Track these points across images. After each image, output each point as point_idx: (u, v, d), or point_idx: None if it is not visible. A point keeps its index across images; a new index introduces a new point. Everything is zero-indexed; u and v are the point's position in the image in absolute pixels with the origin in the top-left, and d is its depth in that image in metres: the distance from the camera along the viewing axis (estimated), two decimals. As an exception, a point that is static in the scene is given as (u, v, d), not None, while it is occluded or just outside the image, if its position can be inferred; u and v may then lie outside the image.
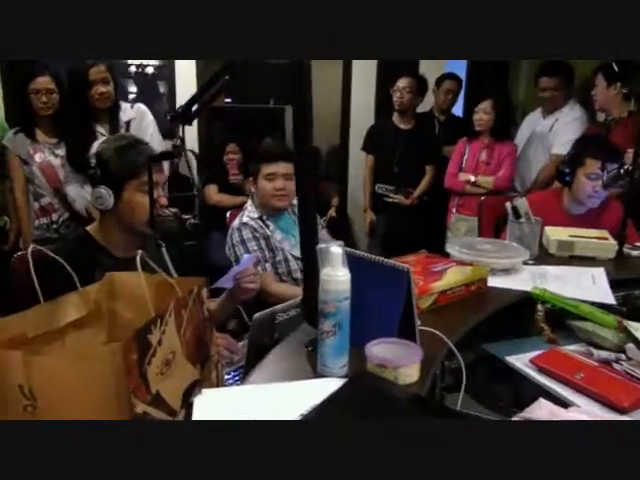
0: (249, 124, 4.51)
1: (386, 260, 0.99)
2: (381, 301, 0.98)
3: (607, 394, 0.99)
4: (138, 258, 0.94)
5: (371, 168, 3.49)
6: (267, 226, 2.11)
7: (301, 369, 0.96)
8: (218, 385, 1.08)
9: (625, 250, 1.66)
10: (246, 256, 1.77)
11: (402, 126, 3.37)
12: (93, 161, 1.47)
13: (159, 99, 3.69)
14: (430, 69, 3.75)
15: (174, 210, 1.58)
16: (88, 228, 1.58)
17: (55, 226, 2.54)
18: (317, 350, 0.93)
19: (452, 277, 1.28)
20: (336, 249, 0.88)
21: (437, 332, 1.06)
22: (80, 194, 2.45)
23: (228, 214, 2.35)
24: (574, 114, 2.90)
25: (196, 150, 3.72)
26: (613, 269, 1.56)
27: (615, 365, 1.09)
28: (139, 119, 2.51)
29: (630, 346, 1.10)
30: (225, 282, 1.64)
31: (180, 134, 1.36)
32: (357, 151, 3.81)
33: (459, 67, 3.98)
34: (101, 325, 1.13)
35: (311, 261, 1.00)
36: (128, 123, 2.49)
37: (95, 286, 1.11)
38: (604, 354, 1.11)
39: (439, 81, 3.65)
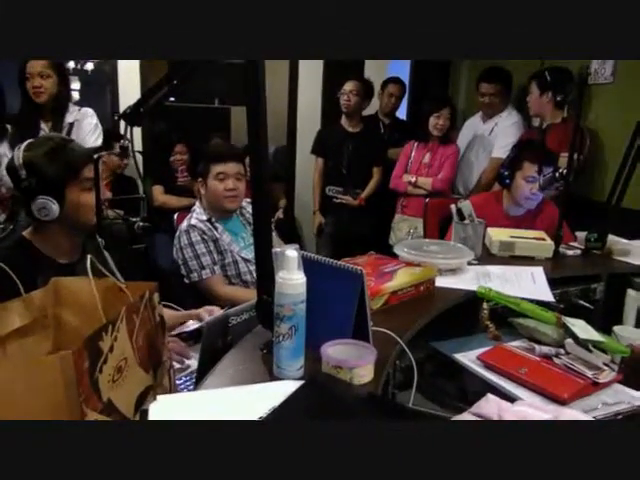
0: (195, 124, 4.45)
1: (340, 263, 1.01)
2: (335, 303, 0.99)
3: (549, 387, 1.04)
4: (88, 262, 0.91)
5: (321, 171, 3.53)
6: (215, 228, 2.09)
7: (257, 372, 0.96)
8: (171, 391, 1.07)
9: (561, 250, 1.75)
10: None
11: (350, 129, 3.42)
12: (23, 172, 1.40)
13: (102, 97, 3.58)
14: (374, 73, 3.82)
15: (120, 212, 1.54)
16: (25, 234, 1.52)
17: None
18: (273, 353, 0.94)
19: (402, 278, 1.31)
20: (292, 252, 0.89)
21: (389, 332, 1.08)
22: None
23: (175, 216, 2.31)
24: (512, 119, 3.03)
25: (140, 150, 3.63)
26: (550, 268, 1.64)
27: (555, 359, 1.15)
28: (80, 120, 2.44)
29: (569, 341, 1.16)
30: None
31: (128, 135, 1.33)
32: (304, 152, 3.83)
33: (402, 71, 4.08)
34: (46, 332, 1.09)
35: (265, 264, 1.01)
36: (72, 124, 2.41)
37: (39, 292, 1.07)
38: (545, 349, 1.17)
39: (384, 85, 3.73)
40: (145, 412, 0.82)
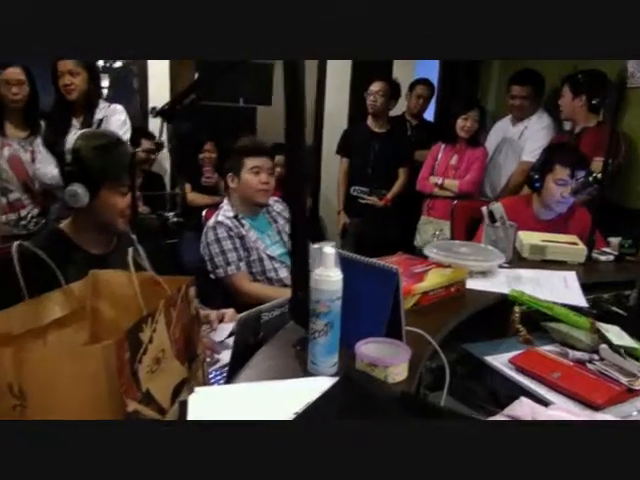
0: (221, 123, 4.49)
1: (375, 261, 1.01)
2: (370, 301, 1.00)
3: (582, 392, 1.03)
4: (130, 257, 0.93)
5: (346, 171, 3.53)
6: (242, 225, 2.11)
7: (290, 367, 0.97)
8: (204, 384, 1.09)
9: (594, 255, 1.73)
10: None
11: (376, 129, 3.42)
12: (69, 157, 1.44)
13: (131, 95, 3.63)
14: (403, 73, 3.81)
15: (146, 208, 1.57)
16: (61, 225, 1.56)
17: (24, 222, 2.48)
18: (308, 349, 0.95)
19: (433, 279, 1.31)
20: (329, 249, 0.90)
21: (422, 332, 1.08)
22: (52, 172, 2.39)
23: (204, 213, 2.34)
24: (542, 122, 3.00)
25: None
26: (582, 273, 1.62)
27: (589, 365, 1.13)
28: (109, 117, 2.49)
29: (603, 347, 1.15)
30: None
31: (163, 131, 1.36)
32: (329, 153, 3.84)
33: (431, 72, 4.06)
34: (83, 323, 1.11)
35: (301, 260, 1.01)
36: (101, 120, 2.46)
37: (79, 284, 1.10)
38: (578, 354, 1.16)
39: (412, 86, 3.72)
40: (184, 403, 0.83)
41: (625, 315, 1.51)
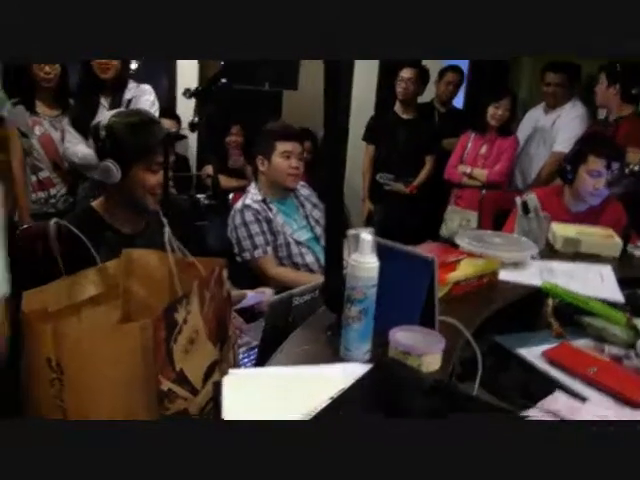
0: (247, 106, 4.47)
1: (411, 249, 1.00)
2: (404, 289, 0.99)
3: (621, 389, 1.01)
4: (166, 237, 0.93)
5: (371, 158, 3.50)
6: (270, 209, 2.11)
7: (323, 353, 0.97)
8: (234, 365, 1.09)
9: (629, 249, 1.69)
10: (251, 295, 1.79)
11: (404, 116, 3.37)
12: (103, 133, 1.45)
13: (159, 75, 3.64)
14: (431, 60, 3.74)
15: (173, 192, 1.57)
16: (93, 204, 1.57)
17: (53, 200, 2.51)
18: (342, 335, 0.94)
19: (466, 268, 1.29)
20: (366, 235, 0.89)
21: (455, 322, 1.07)
22: (82, 151, 2.40)
23: (231, 196, 2.34)
24: (576, 111, 2.92)
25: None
26: (617, 267, 1.58)
27: (625, 361, 1.11)
28: (138, 97, 2.49)
29: (641, 343, 1.12)
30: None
31: (198, 113, 1.35)
32: (355, 139, 3.80)
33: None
34: (116, 302, 1.12)
35: (335, 247, 1.01)
36: (129, 101, 2.46)
37: (113, 263, 1.10)
38: (615, 350, 1.14)
39: (442, 73, 3.65)
40: (218, 384, 0.83)
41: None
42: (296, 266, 2.11)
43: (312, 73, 4.71)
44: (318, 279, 1.96)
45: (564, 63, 2.93)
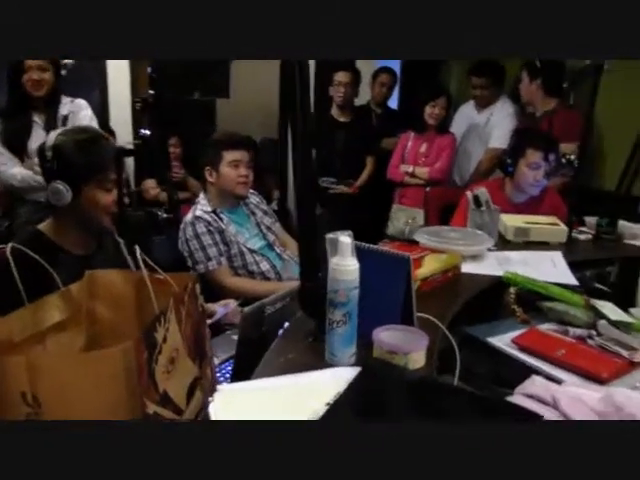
0: (180, 116, 4.37)
1: (387, 249, 1.01)
2: (382, 289, 0.99)
3: (589, 367, 1.06)
4: (138, 255, 0.89)
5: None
6: (221, 219, 2.09)
7: (308, 360, 0.96)
8: (213, 381, 1.06)
9: (573, 235, 1.78)
10: (220, 309, 1.76)
11: (342, 119, 3.41)
12: (49, 153, 1.38)
13: (91, 89, 3.50)
14: (364, 62, 3.79)
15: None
16: (40, 227, 1.49)
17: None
18: (326, 339, 0.93)
19: (431, 264, 1.32)
20: (346, 239, 0.89)
21: (432, 318, 1.09)
22: (20, 173, 2.27)
23: (181, 208, 2.29)
24: (507, 110, 3.06)
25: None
26: (565, 253, 1.66)
27: (589, 341, 1.17)
28: (76, 112, 2.39)
29: (602, 322, 1.18)
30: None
31: (149, 125, 1.31)
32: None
33: (392, 60, 4.07)
34: (80, 327, 1.06)
35: (309, 251, 1.00)
36: (66, 117, 2.35)
37: (76, 285, 1.05)
38: (578, 331, 1.19)
39: (375, 74, 3.72)
40: (206, 405, 0.81)
41: (609, 291, 1.57)
42: (252, 275, 2.09)
43: (243, 81, 4.67)
44: (275, 286, 1.98)
45: (488, 66, 3.05)
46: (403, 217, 3.14)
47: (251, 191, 2.29)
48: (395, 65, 3.97)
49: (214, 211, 2.08)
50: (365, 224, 3.30)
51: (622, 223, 1.82)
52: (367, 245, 1.02)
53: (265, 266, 2.10)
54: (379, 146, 3.51)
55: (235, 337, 1.64)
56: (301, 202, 1.01)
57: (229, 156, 2.05)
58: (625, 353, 1.10)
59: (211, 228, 2.04)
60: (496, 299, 1.41)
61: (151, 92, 2.11)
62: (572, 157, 1.85)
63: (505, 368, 1.18)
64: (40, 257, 1.25)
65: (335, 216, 3.43)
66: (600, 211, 1.85)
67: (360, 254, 0.94)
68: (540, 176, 2.14)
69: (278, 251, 2.17)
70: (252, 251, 2.10)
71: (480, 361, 1.23)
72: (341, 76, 3.31)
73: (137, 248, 0.91)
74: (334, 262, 0.89)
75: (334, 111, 3.43)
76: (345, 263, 0.89)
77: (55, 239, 1.45)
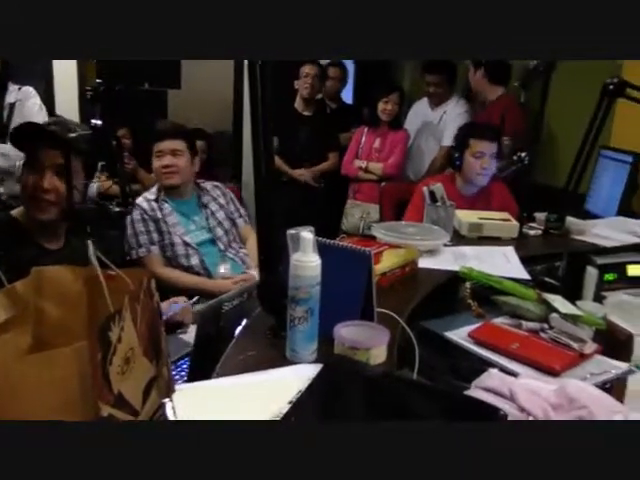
0: (131, 107, 4.25)
1: (348, 245, 1.00)
2: (343, 285, 0.98)
3: (542, 360, 1.09)
4: (90, 250, 0.85)
5: (277, 150, 3.44)
6: (161, 208, 2.07)
7: (268, 357, 0.94)
8: (170, 381, 1.03)
9: (524, 230, 1.83)
10: (171, 307, 1.72)
11: (305, 113, 3.38)
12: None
13: (37, 78, 3.34)
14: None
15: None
16: (13, 212, 1.43)
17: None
18: (287, 336, 0.92)
19: (390, 259, 1.32)
20: (307, 234, 0.88)
21: (392, 313, 1.09)
22: None
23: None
24: (460, 108, 3.12)
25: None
26: (515, 248, 1.71)
27: (542, 334, 1.20)
28: (23, 100, 2.29)
29: (554, 316, 1.22)
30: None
31: (101, 116, 1.26)
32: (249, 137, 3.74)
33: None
34: (26, 326, 1.01)
35: (268, 248, 0.98)
36: (13, 105, 2.25)
37: (22, 283, 0.99)
38: (531, 324, 1.22)
39: (325, 69, 3.71)
40: (162, 406, 0.78)
41: (558, 285, 1.62)
42: (181, 267, 2.08)
43: (195, 72, 4.58)
44: (202, 282, 1.97)
45: (440, 64, 3.10)
46: (358, 212, 3.16)
47: (215, 184, 2.28)
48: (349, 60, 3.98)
49: (156, 199, 2.08)
50: (321, 220, 3.32)
51: (570, 219, 1.88)
52: (328, 241, 1.01)
53: (195, 260, 2.07)
54: (339, 141, 3.50)
55: (184, 337, 1.61)
56: (260, 196, 1.00)
57: (156, 147, 2.07)
58: (575, 345, 1.13)
59: (145, 216, 2.04)
60: (452, 294, 1.43)
61: (98, 81, 2.02)
62: (523, 154, 1.89)
63: (462, 362, 1.20)
64: (11, 244, 1.19)
65: (289, 212, 3.42)
66: (549, 207, 1.90)
67: (321, 250, 0.93)
68: (486, 164, 2.20)
69: (222, 247, 2.13)
70: (187, 244, 2.08)
71: (437, 355, 1.24)
72: (308, 69, 3.29)
73: (90, 243, 0.87)
74: (296, 258, 0.88)
75: (298, 105, 3.39)
76: (307, 259, 0.87)
77: (26, 227, 1.41)
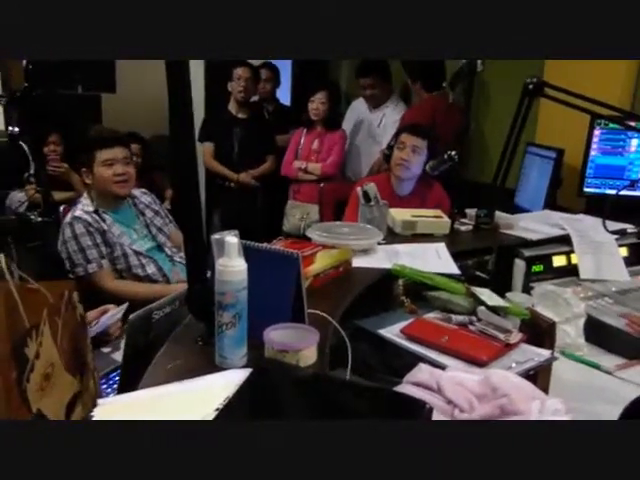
0: (64, 112, 4.11)
1: (276, 247, 1.00)
2: (272, 288, 0.98)
3: (469, 352, 1.12)
4: (2, 263, 0.81)
5: (212, 154, 3.40)
6: (103, 220, 1.99)
7: (197, 364, 0.93)
8: (97, 395, 1.00)
9: (455, 226, 1.89)
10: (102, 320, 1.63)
11: (240, 115, 3.36)
12: None
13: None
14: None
15: None
16: None
17: None
18: (215, 343, 0.91)
19: (323, 260, 1.33)
20: (232, 239, 0.87)
21: (323, 313, 1.10)
22: None
23: (61, 209, 2.15)
24: (399, 111, 3.18)
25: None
26: (448, 243, 1.75)
27: (470, 327, 1.24)
28: None
29: (481, 309, 1.26)
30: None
31: (18, 122, 1.21)
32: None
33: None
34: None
35: (195, 253, 0.97)
36: None
37: None
38: (460, 318, 1.26)
39: (256, 70, 3.70)
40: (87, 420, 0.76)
41: (487, 278, 1.68)
42: (137, 278, 2.01)
43: (130, 75, 4.47)
44: (162, 289, 1.92)
45: (372, 66, 3.15)
46: (298, 213, 3.17)
47: (143, 190, 2.22)
48: (286, 61, 3.99)
49: (96, 211, 1.99)
50: (263, 221, 3.31)
51: (499, 214, 1.95)
52: (256, 244, 1.01)
53: (151, 269, 2.02)
54: (276, 143, 3.50)
55: (107, 351, 1.56)
56: (184, 201, 0.98)
57: (102, 155, 1.98)
58: (501, 336, 1.18)
59: (91, 229, 1.95)
60: (387, 292, 1.46)
61: (26, 85, 1.95)
62: (452, 153, 1.95)
63: (395, 358, 1.23)
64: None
65: (230, 214, 3.39)
66: (480, 203, 1.97)
67: (249, 254, 0.93)
68: (406, 155, 2.27)
69: (169, 253, 2.10)
70: (138, 253, 2.02)
71: (372, 353, 1.27)
72: (241, 71, 3.26)
73: (2, 257, 0.83)
74: (220, 263, 0.87)
75: (232, 107, 3.37)
76: (232, 264, 0.87)
77: None
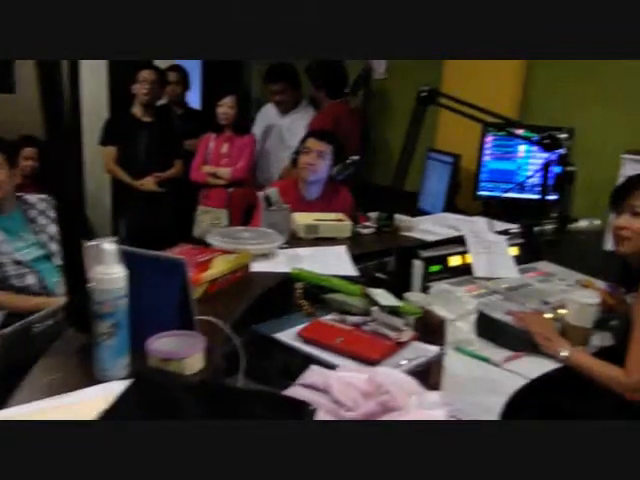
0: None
1: (160, 253, 0.98)
2: (158, 295, 0.96)
3: (362, 352, 1.15)
4: None
5: (114, 159, 3.26)
6: None
7: (76, 378, 0.89)
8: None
9: (357, 229, 1.93)
10: None
11: (145, 119, 3.25)
12: None
13: None
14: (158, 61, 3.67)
15: None
16: None
17: None
18: (94, 354, 0.87)
19: (219, 266, 1.31)
20: (109, 245, 0.84)
21: (213, 319, 1.08)
22: None
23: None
24: (308, 116, 3.21)
25: None
26: (350, 246, 1.79)
27: (364, 327, 1.26)
28: None
29: (374, 309, 1.29)
30: None
31: None
32: (93, 148, 3.51)
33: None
34: None
35: (74, 262, 0.93)
36: None
37: None
38: (354, 319, 1.29)
39: (163, 73, 3.61)
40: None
41: (386, 279, 1.73)
42: (14, 289, 1.88)
43: (29, 76, 4.22)
44: (41, 302, 1.81)
45: (280, 71, 3.17)
46: (208, 218, 3.12)
47: (41, 196, 2.09)
48: (196, 64, 3.92)
49: None
50: (172, 227, 3.22)
51: (399, 217, 2.01)
52: (138, 250, 0.98)
53: (31, 280, 1.89)
54: (183, 148, 3.42)
55: None
56: (63, 207, 0.94)
57: None
58: (393, 335, 1.21)
59: None
60: (286, 295, 1.46)
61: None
62: (355, 157, 2.00)
63: (292, 361, 1.23)
64: None
65: (137, 221, 3.28)
66: (384, 207, 2.02)
67: (130, 261, 0.90)
68: (311, 160, 2.31)
69: (58, 263, 1.97)
70: (17, 263, 1.89)
71: (269, 357, 1.26)
72: (146, 74, 3.16)
73: None
74: (98, 271, 0.84)
75: (137, 110, 3.25)
76: (109, 272, 0.84)
77: None
